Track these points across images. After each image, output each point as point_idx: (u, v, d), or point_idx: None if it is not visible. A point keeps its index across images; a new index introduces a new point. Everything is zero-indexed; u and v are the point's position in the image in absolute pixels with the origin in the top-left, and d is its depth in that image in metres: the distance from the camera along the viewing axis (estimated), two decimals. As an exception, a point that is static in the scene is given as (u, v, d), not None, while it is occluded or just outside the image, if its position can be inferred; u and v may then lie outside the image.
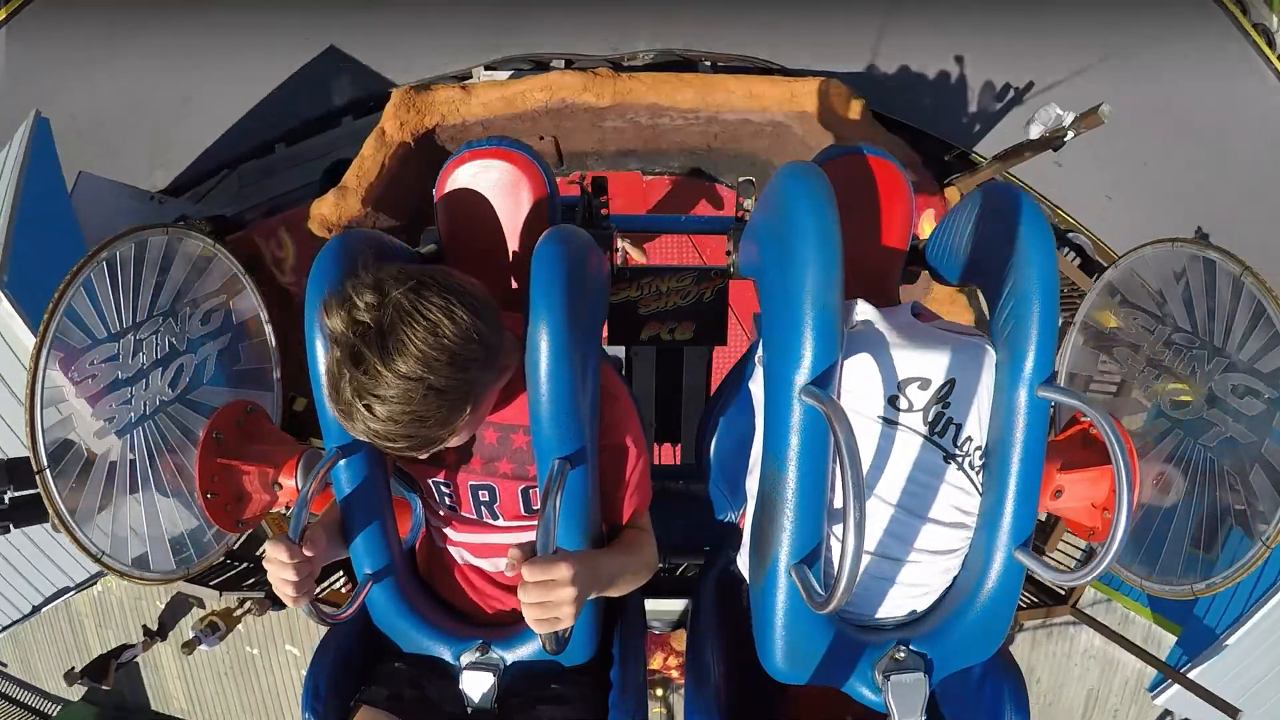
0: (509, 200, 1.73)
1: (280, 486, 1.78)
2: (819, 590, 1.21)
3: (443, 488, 1.57)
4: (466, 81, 5.24)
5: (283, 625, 7.17)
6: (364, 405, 1.19)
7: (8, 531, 3.16)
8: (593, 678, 1.61)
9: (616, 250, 2.71)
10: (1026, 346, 1.31)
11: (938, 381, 1.35)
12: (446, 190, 1.76)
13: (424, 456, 1.43)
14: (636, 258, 6.09)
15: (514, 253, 1.75)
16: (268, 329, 4.05)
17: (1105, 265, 5.84)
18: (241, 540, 5.54)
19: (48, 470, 2.83)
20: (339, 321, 1.20)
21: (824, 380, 1.25)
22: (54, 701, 7.74)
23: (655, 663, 6.67)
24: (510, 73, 5.64)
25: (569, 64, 5.50)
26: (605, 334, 2.66)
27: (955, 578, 1.44)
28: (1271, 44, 7.30)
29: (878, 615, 1.43)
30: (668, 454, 3.19)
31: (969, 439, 1.37)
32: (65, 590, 5.49)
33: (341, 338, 1.19)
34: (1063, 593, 5.64)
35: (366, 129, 4.99)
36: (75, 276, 3.04)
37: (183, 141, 7.00)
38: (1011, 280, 1.32)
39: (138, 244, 3.32)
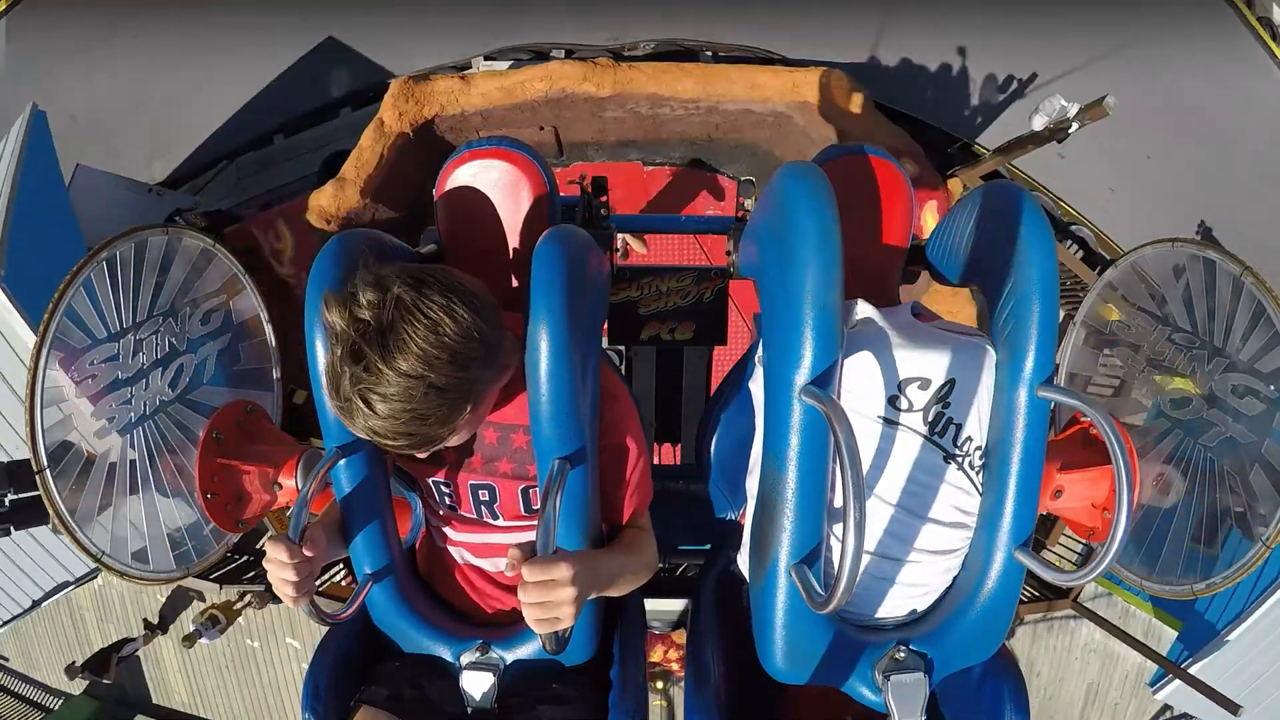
0: (509, 200, 1.73)
1: (280, 486, 1.77)
2: (819, 590, 1.21)
3: (442, 487, 1.57)
4: (466, 72, 5.24)
5: (283, 618, 7.18)
6: (364, 403, 1.19)
7: (8, 534, 3.16)
8: (592, 678, 1.61)
9: (616, 250, 2.70)
10: (1026, 346, 1.31)
11: (938, 381, 1.35)
12: (446, 190, 1.75)
13: (424, 455, 1.43)
14: (637, 249, 6.07)
15: (514, 253, 1.75)
16: (268, 329, 4.06)
17: (1107, 258, 5.84)
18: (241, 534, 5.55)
19: (48, 470, 2.83)
20: (340, 319, 1.19)
21: (824, 380, 1.25)
22: (55, 695, 7.75)
23: (655, 655, 6.68)
24: (510, 63, 5.61)
25: (569, 54, 5.48)
26: (605, 334, 2.66)
27: (955, 578, 1.44)
28: (1276, 37, 7.28)
29: (878, 615, 1.43)
30: (668, 454, 3.19)
31: (969, 439, 1.37)
32: (65, 585, 5.50)
33: (342, 335, 1.19)
34: (1063, 587, 5.63)
35: (365, 120, 5.00)
36: (75, 276, 3.04)
37: (181, 133, 6.99)
38: (1011, 280, 1.32)
39: (138, 244, 3.32)
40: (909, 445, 1.35)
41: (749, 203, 2.40)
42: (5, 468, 3.05)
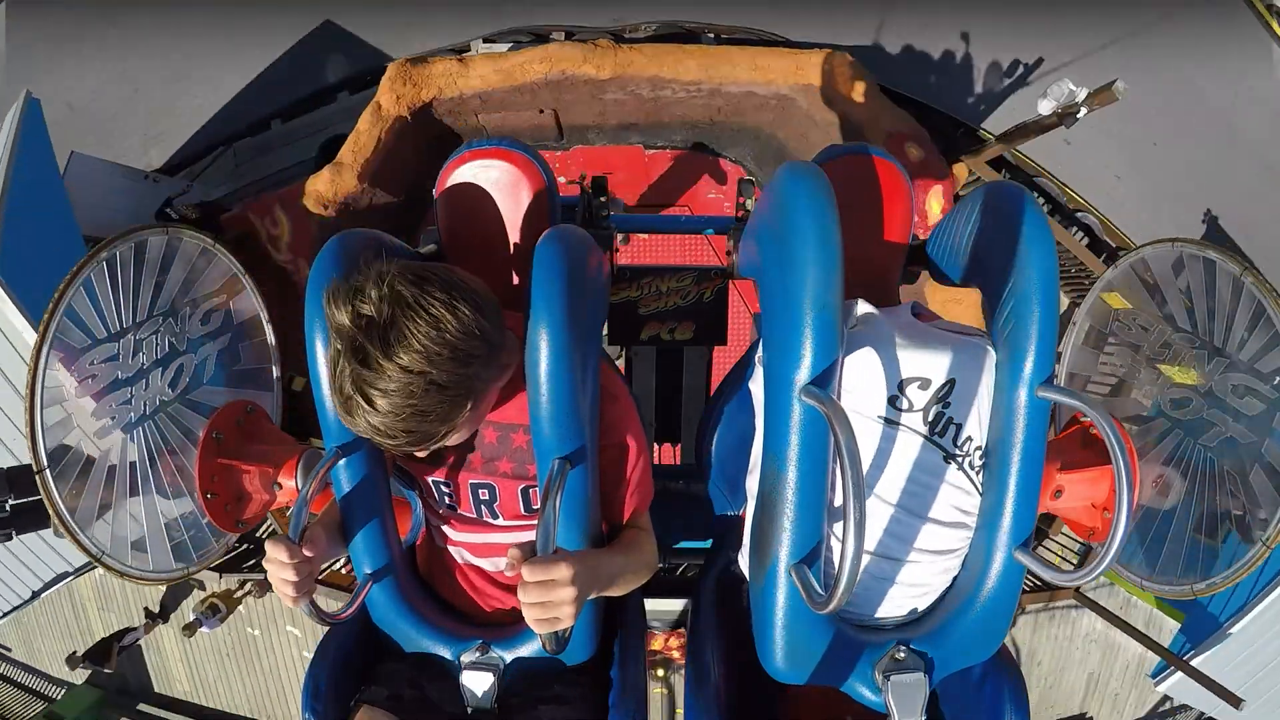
0: (509, 200, 1.72)
1: (280, 486, 1.78)
2: (819, 590, 1.21)
3: (442, 486, 1.57)
4: (464, 54, 5.18)
5: (283, 606, 7.20)
6: (365, 399, 1.19)
7: (9, 539, 3.16)
8: (592, 677, 1.62)
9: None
10: (1026, 346, 1.31)
11: (938, 381, 1.35)
12: (446, 190, 1.75)
13: (424, 454, 1.43)
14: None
15: (514, 252, 1.74)
16: (268, 328, 4.05)
17: (1113, 245, 5.82)
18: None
19: (48, 471, 2.83)
20: (342, 314, 1.19)
21: (824, 380, 1.25)
22: (58, 685, 7.79)
23: (656, 644, 6.70)
24: (509, 45, 5.55)
25: (569, 35, 5.43)
26: (605, 334, 2.66)
27: (955, 578, 1.45)
28: (1284, 24, 7.23)
29: (878, 615, 1.44)
30: (668, 454, 3.20)
31: (969, 439, 1.37)
32: (65, 575, 5.51)
33: (344, 330, 1.19)
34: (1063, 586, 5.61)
35: (363, 104, 4.96)
36: (75, 276, 3.02)
37: (178, 119, 6.94)
38: (1012, 280, 1.32)
39: (137, 244, 3.30)
40: (909, 445, 1.35)
41: (749, 202, 2.39)
42: (5, 473, 3.05)
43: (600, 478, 1.46)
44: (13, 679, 7.92)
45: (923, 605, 1.45)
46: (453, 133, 5.45)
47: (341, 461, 1.47)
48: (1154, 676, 5.99)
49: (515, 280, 1.76)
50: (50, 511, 2.80)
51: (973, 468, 1.38)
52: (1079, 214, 6.40)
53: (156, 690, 7.73)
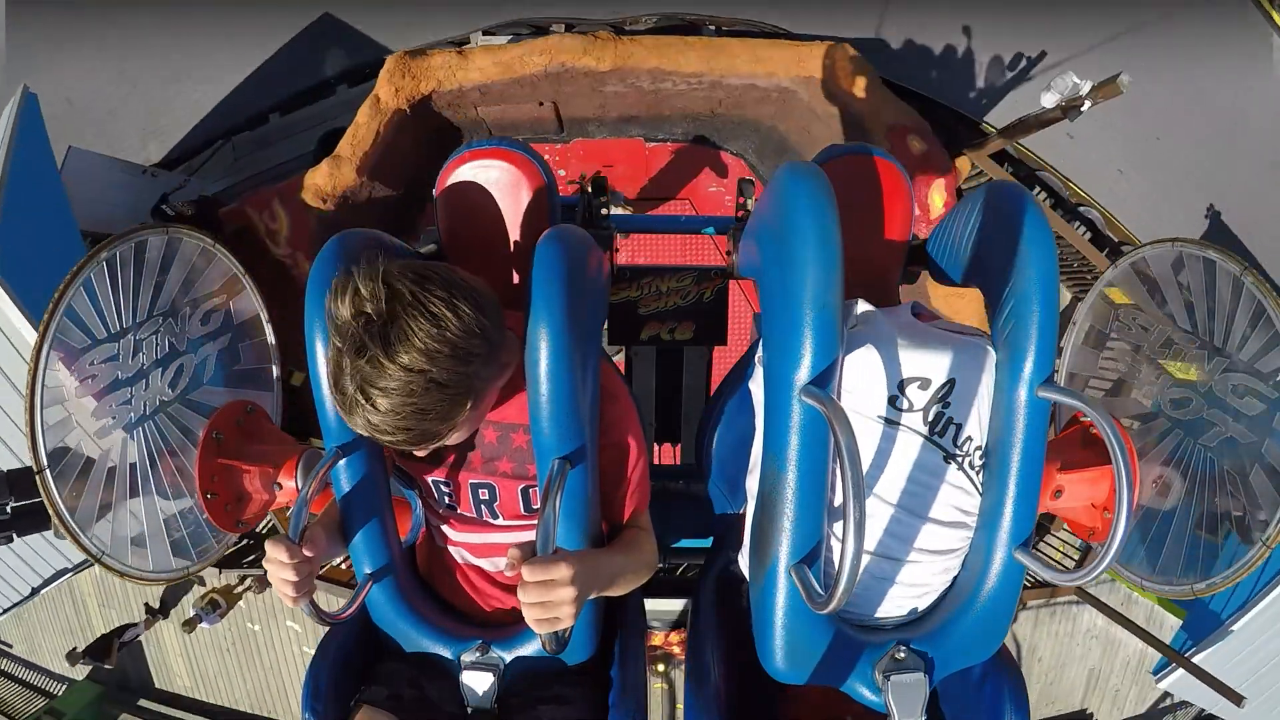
0: (509, 199, 1.72)
1: (280, 486, 1.78)
2: (819, 590, 1.21)
3: (442, 486, 1.57)
4: (463, 47, 5.15)
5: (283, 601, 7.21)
6: (365, 397, 1.19)
7: (10, 541, 3.16)
8: (593, 677, 1.62)
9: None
10: (1026, 346, 1.31)
11: (938, 381, 1.34)
12: (446, 189, 1.75)
13: (423, 453, 1.43)
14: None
15: (514, 252, 1.74)
16: (268, 329, 4.04)
17: (1115, 240, 5.80)
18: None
19: (48, 471, 2.83)
20: (343, 313, 1.19)
21: (824, 380, 1.25)
22: (59, 681, 7.81)
23: (657, 639, 6.71)
24: (509, 37, 5.52)
25: (569, 27, 5.39)
26: (605, 333, 2.65)
27: (955, 577, 1.45)
28: (1288, 19, 7.20)
29: (878, 615, 1.44)
30: (668, 454, 3.20)
31: (969, 439, 1.37)
32: (65, 571, 5.51)
33: (345, 328, 1.19)
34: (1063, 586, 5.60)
35: (361, 97, 4.94)
36: (75, 276, 3.02)
37: (176, 113, 6.93)
38: (1012, 281, 1.32)
39: (138, 244, 3.30)
40: (909, 445, 1.35)
41: (749, 202, 2.39)
42: (5, 476, 3.05)
43: (600, 477, 1.46)
44: (14, 675, 7.94)
45: (923, 605, 1.45)
46: (452, 125, 5.43)
47: (341, 461, 1.47)
48: (1155, 673, 5.96)
49: (515, 280, 1.76)
50: (50, 512, 2.80)
51: (973, 467, 1.37)
52: (1081, 208, 6.38)
53: (157, 686, 7.76)
